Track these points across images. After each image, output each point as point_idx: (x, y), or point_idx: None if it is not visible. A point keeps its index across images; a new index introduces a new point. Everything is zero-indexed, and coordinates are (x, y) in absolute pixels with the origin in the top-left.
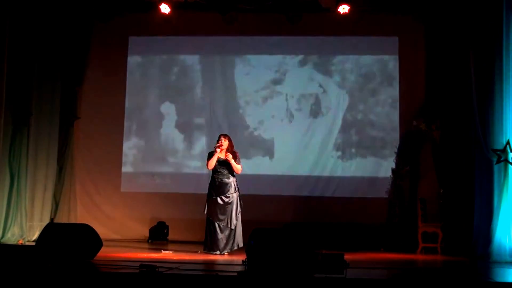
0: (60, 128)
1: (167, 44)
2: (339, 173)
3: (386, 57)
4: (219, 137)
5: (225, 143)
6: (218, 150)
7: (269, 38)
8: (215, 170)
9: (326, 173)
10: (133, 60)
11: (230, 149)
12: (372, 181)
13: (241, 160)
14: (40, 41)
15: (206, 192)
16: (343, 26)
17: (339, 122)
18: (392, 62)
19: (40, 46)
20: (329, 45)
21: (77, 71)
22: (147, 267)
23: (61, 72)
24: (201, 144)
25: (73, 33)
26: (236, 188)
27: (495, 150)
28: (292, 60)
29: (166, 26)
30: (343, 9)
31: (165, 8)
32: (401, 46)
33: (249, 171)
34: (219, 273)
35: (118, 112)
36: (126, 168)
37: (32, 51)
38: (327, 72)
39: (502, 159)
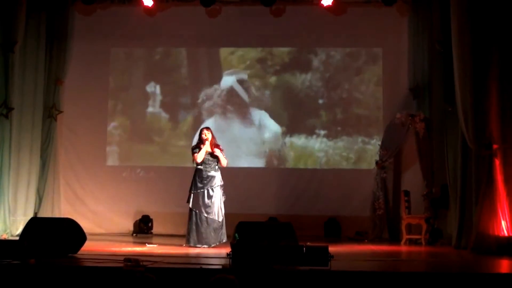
0: (43, 122)
1: (149, 37)
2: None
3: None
4: (201, 130)
5: (209, 135)
6: (207, 143)
7: (252, 30)
8: (202, 162)
9: (310, 164)
10: (116, 51)
11: (213, 142)
12: (356, 173)
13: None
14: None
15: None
16: (327, 18)
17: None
18: (376, 49)
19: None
20: (313, 38)
21: (60, 63)
22: (132, 261)
23: (44, 63)
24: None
25: (55, 22)
26: (221, 181)
27: (478, 142)
28: (275, 50)
29: (149, 19)
30: (327, 1)
31: (148, 1)
32: (385, 36)
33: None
34: (204, 266)
35: (101, 108)
36: (110, 162)
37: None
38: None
39: (485, 151)
